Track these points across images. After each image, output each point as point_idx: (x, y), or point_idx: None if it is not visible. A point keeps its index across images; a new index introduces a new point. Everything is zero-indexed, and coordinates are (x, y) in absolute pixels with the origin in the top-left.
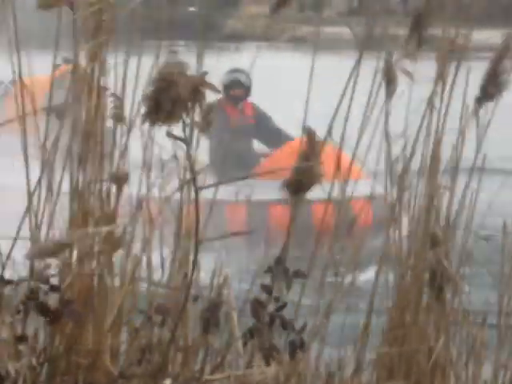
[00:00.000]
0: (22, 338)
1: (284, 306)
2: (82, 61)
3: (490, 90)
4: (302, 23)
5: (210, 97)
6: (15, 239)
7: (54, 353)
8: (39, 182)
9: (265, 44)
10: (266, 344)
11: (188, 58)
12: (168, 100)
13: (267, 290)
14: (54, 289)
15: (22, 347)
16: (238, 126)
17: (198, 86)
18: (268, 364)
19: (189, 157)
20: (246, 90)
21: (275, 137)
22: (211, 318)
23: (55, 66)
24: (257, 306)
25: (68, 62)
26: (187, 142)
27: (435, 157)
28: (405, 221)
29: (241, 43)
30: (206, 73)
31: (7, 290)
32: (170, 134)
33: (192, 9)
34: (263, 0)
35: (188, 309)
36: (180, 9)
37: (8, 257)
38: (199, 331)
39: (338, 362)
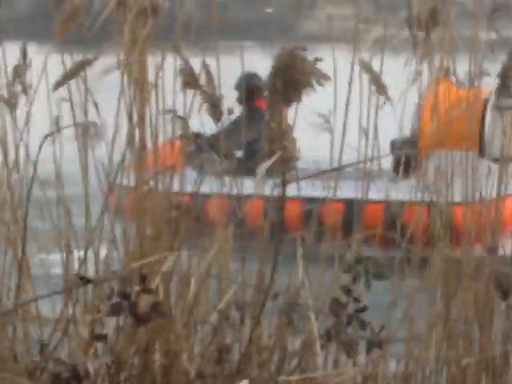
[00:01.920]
0: (100, 337)
1: (364, 308)
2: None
3: None
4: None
5: None
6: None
7: (132, 353)
8: None
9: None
10: (346, 339)
11: (264, 58)
12: (291, 80)
13: (347, 290)
14: (147, 291)
15: (100, 346)
16: None
17: (313, 70)
18: (349, 357)
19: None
20: None
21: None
22: (289, 318)
23: None
24: (336, 306)
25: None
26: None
27: None
28: None
29: (318, 44)
30: (319, 59)
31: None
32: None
33: (269, 10)
34: (340, 1)
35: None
36: (257, 10)
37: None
38: (276, 331)
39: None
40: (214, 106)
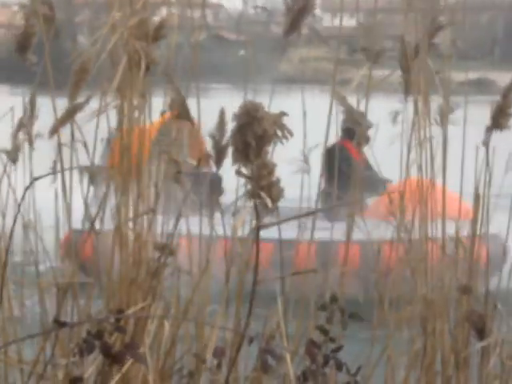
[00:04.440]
0: (76, 380)
1: (340, 347)
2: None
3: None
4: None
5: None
6: None
7: None
8: None
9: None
10: (323, 381)
11: (238, 100)
12: (253, 135)
13: (323, 330)
14: (120, 330)
15: None
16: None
17: (278, 123)
18: None
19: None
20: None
21: (375, 182)
22: (264, 361)
23: (162, 113)
24: (312, 347)
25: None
26: (255, 180)
27: None
28: None
29: (291, 86)
30: (284, 113)
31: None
32: (239, 173)
33: (242, 52)
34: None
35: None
36: (230, 52)
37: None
38: (252, 374)
39: None
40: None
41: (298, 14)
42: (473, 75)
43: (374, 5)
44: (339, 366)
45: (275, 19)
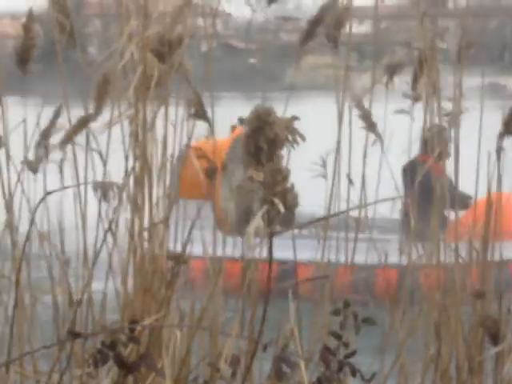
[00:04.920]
0: None
1: (354, 353)
2: None
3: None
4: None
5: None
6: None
7: None
8: None
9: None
10: None
11: (248, 108)
12: (265, 140)
13: (336, 336)
14: (134, 340)
15: None
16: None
17: (290, 127)
18: None
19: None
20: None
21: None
22: (279, 368)
23: (232, 128)
24: (326, 353)
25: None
26: (269, 186)
27: None
28: None
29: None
30: (295, 117)
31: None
32: (251, 178)
33: (252, 60)
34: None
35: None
36: (240, 60)
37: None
38: (267, 382)
39: None
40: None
41: (314, 23)
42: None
43: (381, 12)
44: (353, 372)
45: (284, 27)
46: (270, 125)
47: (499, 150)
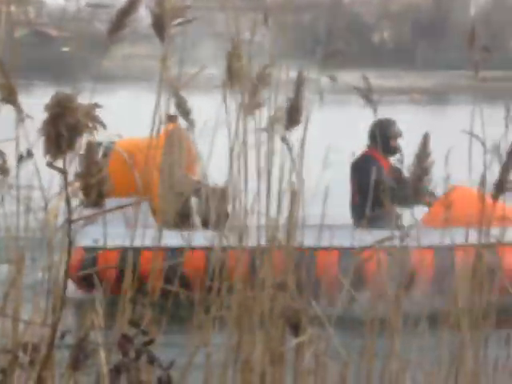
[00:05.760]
0: None
1: (152, 340)
2: None
3: None
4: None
5: None
6: None
7: None
8: None
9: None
10: (134, 380)
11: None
12: (66, 126)
13: (134, 324)
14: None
15: None
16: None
17: (91, 114)
18: None
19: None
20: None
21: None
22: (79, 356)
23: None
24: (124, 341)
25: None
26: (66, 172)
27: None
28: None
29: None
30: (97, 104)
31: None
32: (50, 165)
33: (65, 49)
34: (136, 41)
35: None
36: (53, 48)
37: None
38: (65, 371)
39: None
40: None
41: (123, 13)
42: (293, 74)
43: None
44: (151, 360)
45: (99, 16)
46: (70, 111)
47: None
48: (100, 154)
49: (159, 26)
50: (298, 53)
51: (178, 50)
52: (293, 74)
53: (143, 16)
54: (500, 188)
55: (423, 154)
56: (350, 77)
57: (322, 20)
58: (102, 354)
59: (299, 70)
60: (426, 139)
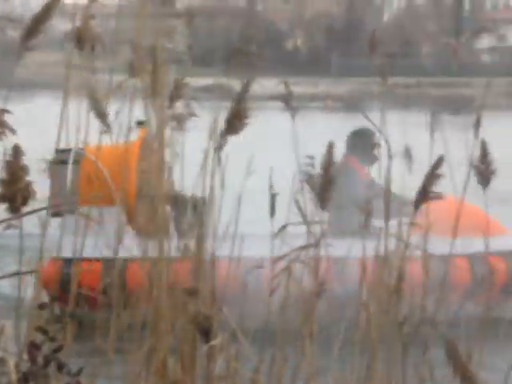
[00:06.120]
0: None
1: (60, 347)
2: None
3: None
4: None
5: None
6: None
7: None
8: None
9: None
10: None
11: None
12: None
13: (42, 331)
14: None
15: None
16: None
17: None
18: None
19: None
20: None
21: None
22: None
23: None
24: (32, 348)
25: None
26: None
27: None
28: None
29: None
30: (5, 110)
31: None
32: None
33: None
34: (48, 48)
35: None
36: None
37: None
38: None
39: None
40: None
41: (37, 21)
42: (208, 81)
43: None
44: (60, 367)
45: (11, 24)
46: None
47: (220, 148)
48: (71, 160)
49: (80, 37)
50: (210, 59)
51: (94, 58)
52: (205, 82)
53: (56, 23)
54: (423, 196)
55: (328, 162)
56: (266, 83)
57: (235, 27)
58: (11, 362)
59: (246, 78)
60: (330, 148)
